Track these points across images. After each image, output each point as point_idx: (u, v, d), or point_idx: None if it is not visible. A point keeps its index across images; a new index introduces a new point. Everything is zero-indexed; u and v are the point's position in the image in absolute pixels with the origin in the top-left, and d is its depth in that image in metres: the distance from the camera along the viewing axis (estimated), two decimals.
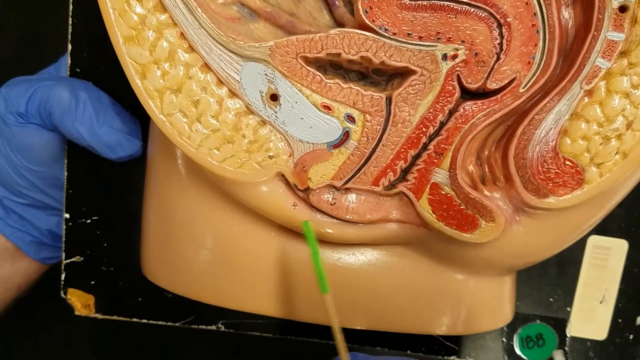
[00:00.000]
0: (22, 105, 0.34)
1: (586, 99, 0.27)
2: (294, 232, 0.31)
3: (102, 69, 0.37)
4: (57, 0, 0.43)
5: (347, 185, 0.29)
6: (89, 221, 0.39)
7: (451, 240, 0.29)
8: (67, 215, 0.38)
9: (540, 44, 0.26)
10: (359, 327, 0.32)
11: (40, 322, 0.50)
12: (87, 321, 0.40)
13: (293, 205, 0.29)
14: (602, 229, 0.37)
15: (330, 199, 0.29)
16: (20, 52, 0.49)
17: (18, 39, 0.49)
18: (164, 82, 0.27)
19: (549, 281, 0.38)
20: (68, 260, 0.39)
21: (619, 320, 0.38)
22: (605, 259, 0.37)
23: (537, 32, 0.26)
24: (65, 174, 0.38)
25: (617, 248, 0.37)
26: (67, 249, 0.39)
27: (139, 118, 0.37)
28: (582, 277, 0.38)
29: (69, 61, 0.37)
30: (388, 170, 0.28)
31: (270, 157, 0.29)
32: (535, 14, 0.26)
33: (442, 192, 0.28)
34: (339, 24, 0.29)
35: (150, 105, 0.27)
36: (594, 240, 0.37)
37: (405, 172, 0.29)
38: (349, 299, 0.32)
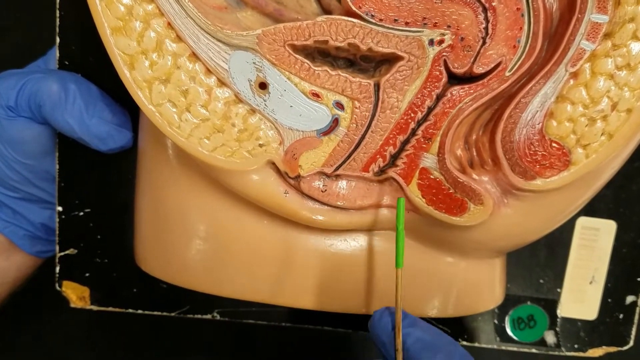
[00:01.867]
0: (12, 99, 0.34)
1: (571, 82, 0.27)
2: (286, 219, 0.31)
3: (91, 61, 0.37)
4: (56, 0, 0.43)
5: (338, 172, 0.29)
6: (81, 214, 0.39)
7: (441, 223, 0.29)
8: (59, 208, 0.39)
9: (526, 27, 0.26)
10: (351, 312, 0.33)
11: (35, 315, 0.51)
12: (82, 313, 0.41)
13: (284, 193, 0.30)
14: (591, 210, 0.37)
15: (321, 186, 0.30)
16: (20, 52, 0.49)
17: (18, 39, 0.49)
18: (152, 72, 0.27)
19: (539, 263, 0.39)
20: (62, 253, 0.39)
21: (609, 300, 0.39)
22: (594, 240, 0.38)
23: (522, 15, 0.26)
24: (57, 166, 0.38)
25: (606, 229, 0.38)
26: (60, 242, 0.39)
27: (129, 109, 0.37)
28: (572, 258, 0.38)
29: (58, 54, 0.37)
30: (377, 156, 0.29)
31: (261, 145, 0.29)
32: None
33: (431, 176, 0.29)
34: (327, 11, 0.29)
35: (139, 96, 0.27)
36: (582, 221, 0.38)
37: (395, 157, 0.29)
38: (341, 284, 0.33)
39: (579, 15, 0.26)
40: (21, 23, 0.50)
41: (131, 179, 0.38)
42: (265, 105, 0.28)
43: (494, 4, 0.26)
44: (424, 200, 0.29)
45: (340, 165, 0.29)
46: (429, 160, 0.29)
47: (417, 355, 0.27)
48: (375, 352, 0.28)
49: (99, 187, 0.39)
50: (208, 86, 0.28)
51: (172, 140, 0.28)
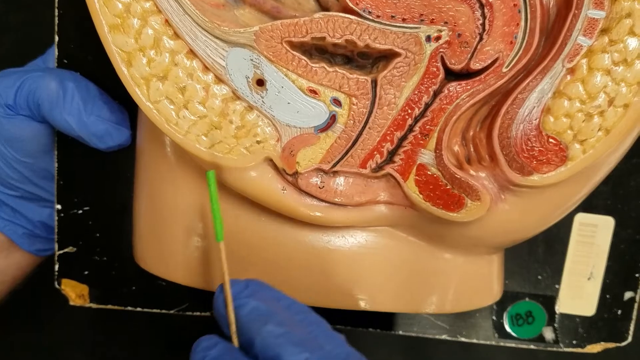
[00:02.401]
0: (11, 97, 0.34)
1: (568, 77, 0.27)
2: (284, 216, 0.31)
3: (89, 59, 0.37)
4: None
5: (335, 169, 0.29)
6: (80, 212, 0.39)
7: (439, 220, 0.29)
8: (58, 207, 0.39)
9: (522, 23, 0.27)
10: (349, 308, 0.33)
11: (35, 313, 0.51)
12: (82, 311, 0.41)
13: (282, 190, 0.30)
14: (589, 206, 0.37)
15: (318, 183, 0.30)
16: (21, 52, 0.49)
17: (18, 39, 0.49)
18: (150, 69, 0.27)
19: (537, 259, 0.39)
20: (61, 251, 0.39)
21: (607, 296, 0.39)
22: (592, 236, 0.38)
23: (519, 11, 0.26)
24: (56, 165, 0.38)
25: (604, 225, 0.38)
26: (59, 240, 0.39)
27: (127, 107, 0.37)
28: (570, 254, 0.38)
29: (57, 52, 0.37)
30: (375, 152, 0.29)
31: (258, 142, 0.29)
32: None
33: (429, 172, 0.29)
34: (324, 8, 0.29)
35: (137, 93, 0.28)
36: (580, 217, 0.38)
37: (392, 154, 0.29)
38: (339, 280, 0.33)
39: (576, 11, 0.26)
40: (21, 23, 0.50)
41: (130, 177, 0.38)
42: (263, 102, 0.28)
43: (491, 0, 0.26)
44: (421, 196, 0.29)
45: (337, 162, 0.29)
46: (426, 157, 0.29)
47: (248, 325, 0.26)
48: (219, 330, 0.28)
49: (97, 185, 0.39)
50: (205, 83, 0.28)
51: (170, 137, 0.28)
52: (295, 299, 0.28)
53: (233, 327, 0.26)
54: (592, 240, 0.38)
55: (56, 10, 0.36)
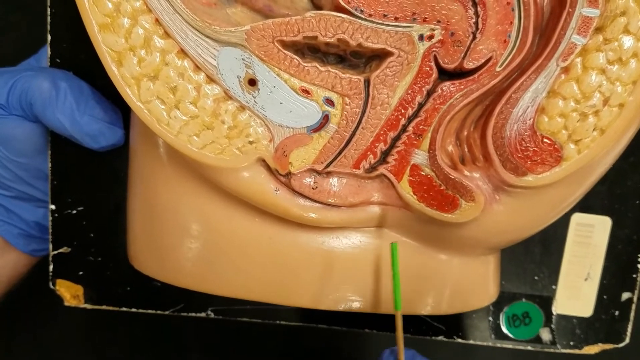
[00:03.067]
0: (3, 97, 0.34)
1: (563, 76, 0.27)
2: (278, 217, 0.31)
3: (82, 58, 0.37)
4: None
5: (328, 169, 0.29)
6: (74, 212, 0.39)
7: (433, 220, 0.29)
8: (52, 207, 0.39)
9: (516, 22, 0.26)
10: (344, 310, 0.33)
11: (30, 314, 0.51)
12: (77, 312, 0.41)
13: (275, 191, 0.30)
14: (585, 206, 0.37)
15: (311, 183, 0.29)
16: (21, 52, 0.49)
17: (18, 39, 0.49)
18: (140, 69, 0.27)
19: (534, 260, 0.38)
20: (56, 252, 0.39)
21: (604, 297, 0.38)
22: (589, 236, 0.38)
23: (512, 10, 0.26)
24: (49, 165, 0.38)
25: (601, 225, 0.37)
26: (54, 240, 0.39)
27: (120, 107, 0.36)
28: (567, 254, 0.38)
29: (49, 51, 0.37)
30: (368, 152, 0.29)
31: (251, 142, 0.29)
32: None
33: (422, 173, 0.28)
34: (317, 7, 0.29)
35: (128, 93, 0.27)
36: (577, 217, 0.37)
37: (385, 154, 0.29)
38: (333, 282, 0.32)
39: (570, 10, 0.26)
40: (21, 23, 0.50)
41: (124, 176, 0.37)
42: (255, 102, 0.28)
43: None
44: (415, 197, 0.29)
45: (331, 162, 0.29)
46: (419, 157, 0.28)
47: None
48: None
49: (91, 185, 0.39)
50: (197, 83, 0.28)
51: (161, 137, 0.28)
52: None
53: None
54: (589, 241, 0.38)
55: (48, 9, 0.36)
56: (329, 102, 0.28)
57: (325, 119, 0.28)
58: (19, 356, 0.51)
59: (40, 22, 0.49)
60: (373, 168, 0.29)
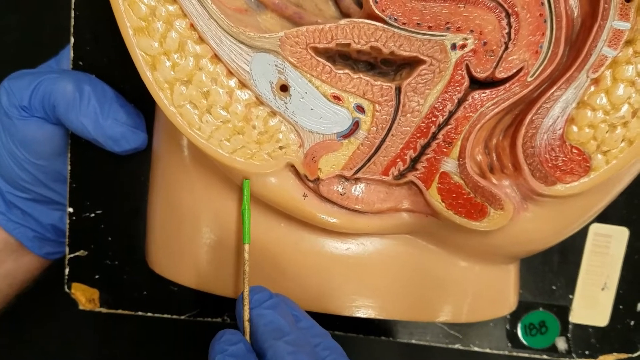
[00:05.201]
0: (26, 99, 0.34)
1: (592, 88, 0.27)
2: (303, 222, 0.31)
3: (105, 62, 0.37)
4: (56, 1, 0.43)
5: (357, 175, 0.29)
6: (92, 215, 0.39)
7: (460, 228, 0.29)
8: (70, 210, 0.38)
9: (548, 33, 0.27)
10: (365, 316, 0.33)
11: (44, 316, 0.50)
12: (91, 315, 0.40)
13: (303, 196, 0.30)
14: (603, 216, 0.37)
15: (340, 189, 0.30)
16: (21, 52, 0.49)
17: (18, 39, 0.49)
18: (174, 73, 0.27)
19: (551, 269, 0.39)
20: (72, 255, 0.39)
21: (620, 307, 0.39)
22: (606, 247, 0.38)
23: (545, 21, 0.26)
24: (69, 167, 0.38)
25: (618, 235, 0.38)
26: (71, 244, 0.39)
27: (141, 111, 0.36)
28: (584, 264, 0.38)
29: (72, 54, 0.37)
30: (398, 159, 0.29)
31: (281, 147, 0.29)
32: (542, 3, 0.26)
33: (452, 180, 0.29)
34: (345, 15, 0.29)
35: (161, 97, 0.27)
36: (595, 228, 0.38)
37: (415, 161, 0.29)
38: (356, 288, 0.32)
39: (601, 22, 0.26)
40: (21, 23, 0.50)
41: (143, 180, 0.37)
42: (286, 107, 0.28)
43: (517, 9, 0.26)
44: (443, 204, 0.29)
45: (360, 169, 0.29)
46: (449, 165, 0.29)
47: (264, 335, 0.27)
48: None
49: (110, 188, 0.38)
50: (229, 88, 0.28)
51: (192, 141, 0.28)
52: (315, 322, 0.29)
53: (247, 326, 0.27)
54: (607, 251, 0.38)
55: (72, 12, 0.36)
56: (360, 108, 0.28)
57: (356, 125, 0.28)
58: (30, 356, 0.51)
59: (39, 23, 0.49)
60: (402, 175, 0.29)
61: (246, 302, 0.28)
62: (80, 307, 0.40)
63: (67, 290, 0.39)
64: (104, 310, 0.40)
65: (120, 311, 0.40)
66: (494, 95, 0.27)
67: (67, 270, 0.39)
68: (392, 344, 0.40)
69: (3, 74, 0.36)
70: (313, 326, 0.28)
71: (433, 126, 0.28)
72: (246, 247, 0.29)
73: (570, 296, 0.39)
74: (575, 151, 0.28)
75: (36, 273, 0.41)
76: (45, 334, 0.51)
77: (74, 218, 0.38)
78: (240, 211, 0.32)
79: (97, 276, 0.39)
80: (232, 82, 0.28)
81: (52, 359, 0.50)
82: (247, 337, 0.27)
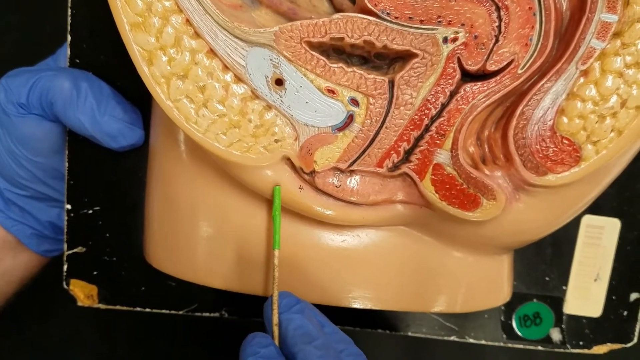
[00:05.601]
0: (23, 96, 0.35)
1: (582, 79, 0.28)
2: (299, 215, 0.31)
3: (101, 59, 0.37)
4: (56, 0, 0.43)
5: (352, 168, 0.30)
6: (90, 212, 0.39)
7: (453, 219, 0.30)
8: (68, 206, 0.39)
9: (537, 26, 0.27)
10: (362, 307, 0.33)
11: (43, 313, 0.50)
12: (90, 311, 0.41)
13: (299, 189, 0.30)
14: (595, 208, 0.38)
15: (335, 182, 0.30)
16: (21, 52, 0.49)
17: (18, 39, 0.49)
18: (170, 68, 0.28)
19: (545, 261, 0.39)
20: (70, 251, 0.39)
21: (613, 297, 0.39)
22: (598, 238, 0.38)
23: (534, 14, 0.27)
24: (66, 164, 0.38)
25: (610, 227, 0.38)
26: (69, 240, 0.39)
27: (138, 108, 0.37)
28: (577, 256, 0.39)
29: (69, 52, 0.37)
30: (392, 151, 0.29)
31: (276, 141, 0.29)
32: None
33: (445, 172, 0.29)
34: (338, 10, 0.29)
35: (157, 92, 0.28)
36: (587, 219, 0.38)
37: (409, 153, 0.29)
38: (353, 279, 0.33)
39: (589, 15, 0.27)
40: (21, 23, 0.50)
41: (141, 177, 0.38)
42: (282, 101, 0.28)
43: (506, 3, 0.27)
44: (437, 195, 0.29)
45: (354, 161, 0.29)
46: (442, 156, 0.29)
47: (293, 339, 0.27)
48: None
49: (108, 185, 0.39)
50: (225, 82, 0.28)
51: (189, 135, 0.28)
52: (338, 328, 0.29)
53: (276, 330, 0.28)
54: (599, 242, 0.38)
55: (69, 10, 0.36)
56: (354, 102, 0.29)
57: (350, 118, 0.29)
58: (29, 354, 0.51)
59: (39, 22, 0.49)
60: (396, 167, 0.29)
61: (275, 306, 0.28)
62: (79, 304, 0.40)
63: (65, 286, 0.40)
64: (102, 306, 0.40)
65: (118, 307, 0.40)
66: (485, 88, 0.28)
67: (65, 267, 0.39)
68: (389, 337, 0.41)
69: (3, 74, 0.36)
70: (337, 332, 0.29)
71: (426, 118, 0.29)
72: (276, 252, 0.30)
73: (564, 287, 0.39)
74: (566, 142, 0.28)
75: (34, 270, 0.41)
76: (44, 331, 0.51)
77: (71, 215, 0.39)
78: (242, 210, 0.32)
79: (95, 272, 0.40)
80: (228, 77, 0.28)
81: (51, 355, 0.51)
82: (276, 340, 0.28)
